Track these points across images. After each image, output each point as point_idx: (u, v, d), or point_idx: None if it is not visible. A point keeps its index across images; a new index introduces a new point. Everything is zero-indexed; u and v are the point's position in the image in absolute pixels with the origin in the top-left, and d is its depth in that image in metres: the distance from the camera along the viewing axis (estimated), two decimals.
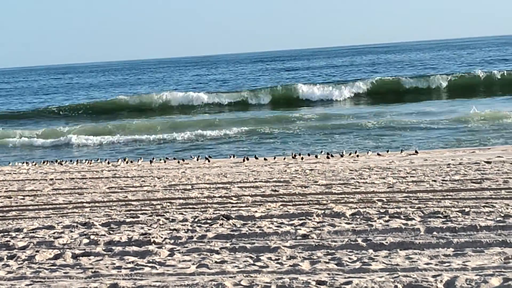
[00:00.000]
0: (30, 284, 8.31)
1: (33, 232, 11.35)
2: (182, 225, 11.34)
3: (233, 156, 23.76)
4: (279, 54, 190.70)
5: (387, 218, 10.89)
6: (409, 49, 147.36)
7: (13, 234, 11.28)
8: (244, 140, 30.34)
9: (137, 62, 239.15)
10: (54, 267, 9.07)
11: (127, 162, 22.99)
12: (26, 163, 24.22)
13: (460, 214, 10.88)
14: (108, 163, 23.22)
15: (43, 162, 24.45)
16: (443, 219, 10.57)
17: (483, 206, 11.42)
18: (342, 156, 21.68)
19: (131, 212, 13.08)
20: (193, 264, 8.84)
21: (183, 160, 23.01)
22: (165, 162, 22.81)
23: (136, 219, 12.01)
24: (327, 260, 8.69)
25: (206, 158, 22.81)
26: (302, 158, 21.54)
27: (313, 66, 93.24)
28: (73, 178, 19.17)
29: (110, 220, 12.02)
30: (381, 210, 11.53)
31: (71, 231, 11.29)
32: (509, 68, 55.75)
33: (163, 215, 12.36)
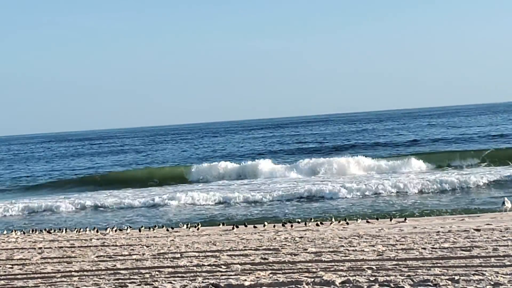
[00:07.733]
0: None
1: None
2: None
3: (223, 224, 23.71)
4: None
5: (377, 286, 10.87)
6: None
7: None
8: None
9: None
10: None
11: (115, 231, 22.89)
12: (15, 231, 24.06)
13: (450, 282, 10.87)
14: (97, 231, 23.10)
15: (32, 231, 24.29)
16: (433, 287, 10.55)
17: (473, 274, 11.42)
18: (331, 223, 21.69)
19: (120, 281, 12.99)
20: None
21: (172, 228, 22.95)
22: (153, 230, 22.73)
23: None
24: None
25: (195, 226, 22.75)
26: (291, 226, 21.52)
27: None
28: (62, 247, 19.05)
29: None
30: (371, 278, 11.50)
31: None
32: None
33: (152, 284, 12.28)
